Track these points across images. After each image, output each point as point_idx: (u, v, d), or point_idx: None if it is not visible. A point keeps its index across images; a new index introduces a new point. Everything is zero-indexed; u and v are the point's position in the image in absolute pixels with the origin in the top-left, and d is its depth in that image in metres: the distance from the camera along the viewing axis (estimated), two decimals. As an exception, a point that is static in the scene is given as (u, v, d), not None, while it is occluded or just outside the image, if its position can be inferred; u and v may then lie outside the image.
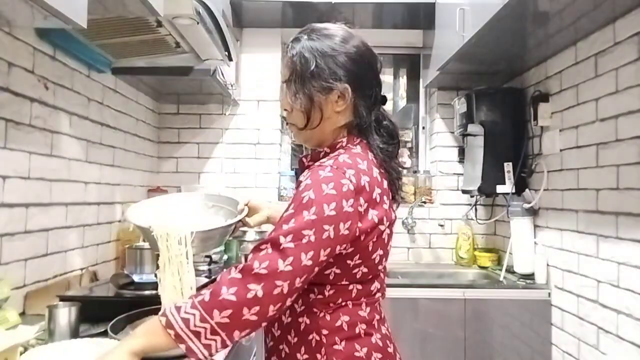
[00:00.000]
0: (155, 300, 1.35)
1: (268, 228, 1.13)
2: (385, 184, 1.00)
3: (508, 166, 2.30)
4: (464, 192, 2.57)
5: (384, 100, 1.06)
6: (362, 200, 0.92)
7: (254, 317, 0.82)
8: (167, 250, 1.11)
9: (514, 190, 2.27)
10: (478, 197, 2.62)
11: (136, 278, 1.51)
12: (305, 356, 0.96)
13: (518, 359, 2.10)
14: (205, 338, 0.81)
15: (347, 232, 0.89)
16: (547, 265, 2.13)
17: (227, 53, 1.94)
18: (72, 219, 1.70)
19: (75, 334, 1.14)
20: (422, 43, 2.93)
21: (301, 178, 0.94)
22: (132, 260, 1.57)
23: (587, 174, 1.82)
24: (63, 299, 1.35)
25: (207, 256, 1.96)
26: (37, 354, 0.98)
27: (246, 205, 1.26)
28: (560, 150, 2.02)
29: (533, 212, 2.23)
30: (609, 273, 1.69)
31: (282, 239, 0.85)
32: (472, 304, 2.13)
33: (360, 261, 0.96)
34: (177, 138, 2.75)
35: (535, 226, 2.24)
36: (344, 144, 1.01)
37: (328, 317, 0.96)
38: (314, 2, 2.47)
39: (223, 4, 2.09)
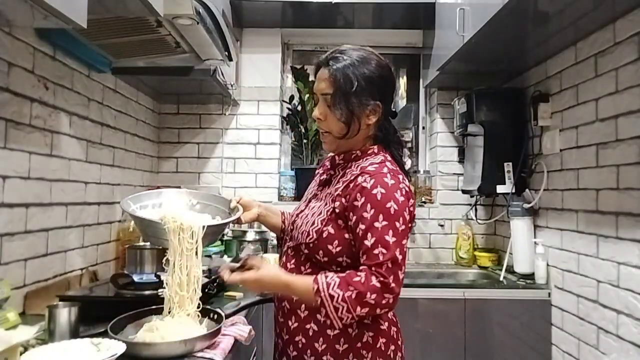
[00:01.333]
0: (155, 300, 1.35)
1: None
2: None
3: (508, 166, 2.30)
4: (464, 192, 2.57)
5: (394, 114, 1.25)
6: (411, 200, 1.14)
7: (380, 312, 1.08)
8: (179, 243, 1.13)
9: (514, 190, 2.27)
10: (478, 197, 2.62)
11: (136, 278, 1.51)
12: (337, 331, 1.11)
13: (518, 359, 2.10)
14: (341, 320, 1.05)
15: (410, 225, 1.14)
16: (547, 265, 2.13)
17: (227, 53, 1.94)
18: (72, 219, 1.70)
19: (75, 334, 1.14)
20: (422, 43, 2.93)
21: (364, 184, 1.10)
22: (132, 260, 1.57)
23: (587, 174, 1.82)
24: (63, 299, 1.35)
25: (207, 256, 1.96)
26: (37, 354, 0.98)
27: (238, 202, 1.31)
28: (560, 150, 2.02)
29: (533, 212, 2.23)
30: (609, 273, 1.69)
31: (397, 255, 1.06)
32: (472, 304, 2.13)
33: None
34: (177, 138, 2.75)
35: (535, 226, 2.24)
36: (376, 151, 1.20)
37: None
38: (314, 2, 2.47)
39: (223, 4, 2.09)
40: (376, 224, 1.06)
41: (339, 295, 1.03)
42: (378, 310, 1.05)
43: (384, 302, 1.04)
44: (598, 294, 1.76)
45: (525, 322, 2.11)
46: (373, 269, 1.04)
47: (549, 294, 2.10)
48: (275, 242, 2.48)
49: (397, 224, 1.07)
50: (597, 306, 1.76)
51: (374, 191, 1.08)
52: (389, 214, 1.07)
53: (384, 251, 1.05)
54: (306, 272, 1.16)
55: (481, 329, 2.12)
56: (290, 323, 1.17)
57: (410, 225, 1.13)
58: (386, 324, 1.16)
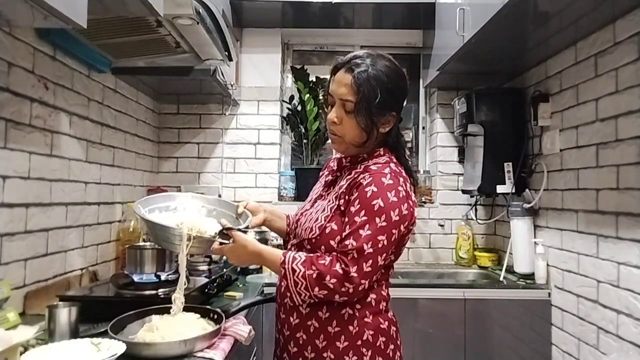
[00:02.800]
0: (155, 300, 1.35)
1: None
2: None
3: (508, 166, 2.30)
4: (464, 192, 2.57)
5: (400, 119, 1.26)
6: (410, 203, 1.15)
7: (338, 301, 1.10)
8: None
9: (514, 190, 2.27)
10: (478, 197, 2.62)
11: (136, 278, 1.51)
12: (337, 328, 1.13)
13: (518, 359, 2.10)
14: (299, 296, 1.11)
15: (404, 230, 1.14)
16: (547, 265, 2.13)
17: (227, 53, 1.94)
18: (72, 219, 1.70)
19: (75, 334, 1.14)
20: (422, 43, 2.93)
21: (362, 180, 1.12)
22: (132, 260, 1.57)
23: (587, 174, 1.82)
24: (63, 299, 1.35)
25: (207, 256, 1.96)
26: (37, 354, 0.98)
27: (245, 208, 1.33)
28: (560, 150, 2.02)
29: (533, 212, 2.23)
30: (609, 273, 1.69)
31: (365, 247, 1.07)
32: (472, 304, 2.13)
33: (393, 250, 1.16)
34: (177, 138, 2.75)
35: (535, 226, 2.24)
36: (381, 153, 1.21)
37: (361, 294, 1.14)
38: (314, 2, 2.47)
39: (223, 4, 2.09)
40: (356, 219, 1.09)
41: (300, 270, 1.08)
42: (337, 297, 1.08)
43: (343, 289, 1.06)
44: (598, 294, 1.76)
45: (525, 322, 2.11)
46: (339, 255, 1.08)
47: (549, 294, 2.10)
48: (275, 241, 2.48)
49: (377, 220, 1.08)
50: (597, 306, 1.76)
51: (367, 188, 1.11)
52: (372, 210, 1.09)
53: (354, 243, 1.07)
54: None
55: (481, 329, 2.12)
56: (291, 319, 1.19)
57: (404, 227, 1.13)
58: (386, 323, 1.18)
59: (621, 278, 1.62)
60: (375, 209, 1.09)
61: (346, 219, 1.12)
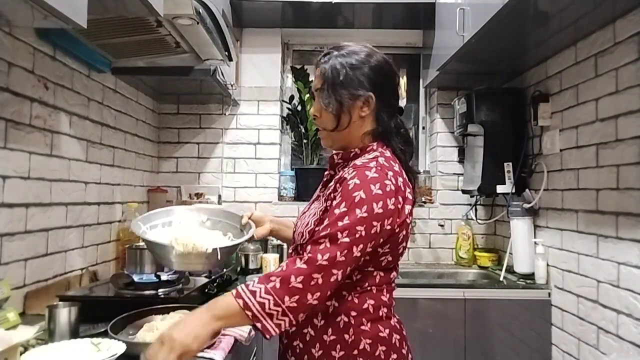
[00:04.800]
0: (155, 300, 1.35)
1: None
2: (410, 183, 1.13)
3: (508, 166, 2.30)
4: (464, 192, 2.57)
5: (401, 110, 1.20)
6: (400, 198, 1.05)
7: (315, 301, 0.96)
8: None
9: (514, 190, 2.27)
10: (478, 197, 2.62)
11: (136, 278, 1.51)
12: (333, 337, 1.06)
13: (518, 359, 2.10)
14: (277, 319, 0.94)
15: (389, 227, 1.03)
16: (547, 265, 2.13)
17: (227, 53, 1.94)
18: (72, 219, 1.70)
19: (75, 334, 1.14)
20: (422, 43, 2.93)
21: (346, 175, 1.06)
22: (132, 260, 1.57)
23: (587, 174, 1.82)
24: (63, 299, 1.35)
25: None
26: (37, 354, 0.98)
27: (250, 218, 1.31)
28: (560, 150, 2.02)
29: (533, 212, 2.23)
30: (609, 273, 1.69)
31: (339, 235, 0.98)
32: (472, 304, 2.13)
33: (388, 250, 1.08)
34: (177, 138, 2.75)
35: (535, 226, 2.24)
36: (374, 147, 1.13)
37: (356, 300, 1.07)
38: (314, 2, 2.47)
39: (223, 4, 2.09)
40: (336, 211, 1.01)
41: (260, 289, 0.94)
42: (309, 297, 0.94)
43: (312, 283, 0.94)
44: (598, 294, 1.76)
45: (525, 322, 2.11)
46: (304, 247, 1.00)
47: (549, 294, 2.10)
48: (275, 241, 2.48)
49: (358, 211, 0.99)
50: (597, 306, 1.76)
51: (350, 182, 1.03)
52: (352, 202, 1.00)
53: (328, 230, 0.99)
54: None
55: (481, 329, 2.12)
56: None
57: (389, 224, 1.03)
58: (387, 330, 1.09)
59: (621, 278, 1.62)
60: (356, 200, 1.00)
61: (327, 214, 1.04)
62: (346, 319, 1.07)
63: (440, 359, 2.11)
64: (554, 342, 2.07)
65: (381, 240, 1.04)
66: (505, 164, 2.30)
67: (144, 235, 1.22)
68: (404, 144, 1.17)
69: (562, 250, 2.02)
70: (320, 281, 0.95)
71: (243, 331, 1.29)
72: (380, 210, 1.01)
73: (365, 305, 1.08)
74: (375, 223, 1.00)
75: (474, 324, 2.12)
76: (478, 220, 2.70)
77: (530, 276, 2.19)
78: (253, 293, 0.94)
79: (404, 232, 1.10)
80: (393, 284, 1.16)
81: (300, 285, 0.94)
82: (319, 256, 0.96)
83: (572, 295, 1.93)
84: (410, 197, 1.10)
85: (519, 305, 2.11)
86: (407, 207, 1.08)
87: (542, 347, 2.08)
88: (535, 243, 2.16)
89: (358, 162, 1.09)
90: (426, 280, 2.42)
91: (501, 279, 2.25)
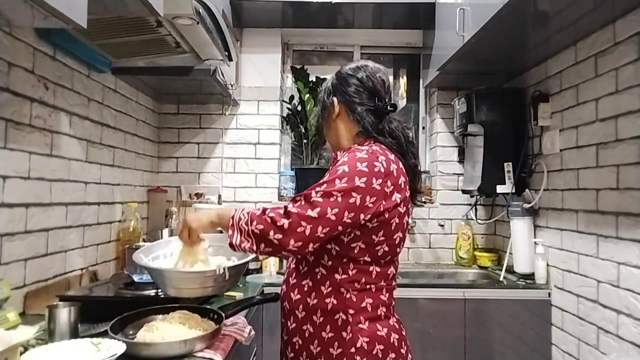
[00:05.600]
0: (155, 300, 1.35)
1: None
2: (406, 176, 1.17)
3: (508, 166, 2.30)
4: (464, 192, 2.57)
5: (393, 108, 1.24)
6: (389, 183, 1.09)
7: (276, 241, 1.04)
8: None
9: (514, 190, 2.27)
10: (478, 197, 2.62)
11: (136, 278, 1.51)
12: (331, 334, 1.09)
13: (518, 359, 2.10)
14: (243, 237, 1.08)
15: (371, 205, 1.06)
16: (547, 265, 2.13)
17: (227, 53, 1.94)
18: (72, 219, 1.70)
19: (75, 334, 1.14)
20: (422, 43, 2.93)
21: (339, 157, 1.17)
22: (132, 260, 1.57)
23: (587, 174, 1.82)
24: (63, 299, 1.35)
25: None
26: (37, 354, 0.98)
27: None
28: (560, 150, 2.02)
29: (533, 212, 2.23)
30: (609, 273, 1.69)
31: (313, 194, 1.05)
32: (472, 304, 2.13)
33: (383, 238, 1.10)
34: (177, 138, 2.75)
35: (535, 226, 2.24)
36: (370, 143, 1.19)
37: (354, 298, 1.10)
38: (314, 2, 2.47)
39: (223, 4, 2.09)
40: (319, 182, 1.09)
41: (248, 210, 1.12)
42: (272, 233, 1.04)
43: (279, 223, 1.04)
44: (598, 294, 1.76)
45: (525, 322, 2.11)
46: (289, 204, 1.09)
47: (549, 294, 2.10)
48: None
49: (337, 181, 1.06)
50: (597, 306, 1.76)
51: (339, 163, 1.12)
52: (335, 174, 1.08)
53: (304, 192, 1.08)
54: (303, 270, 1.17)
55: (481, 329, 2.12)
56: (289, 324, 1.18)
57: (371, 202, 1.06)
58: (385, 330, 1.12)
59: (621, 278, 1.62)
60: (339, 172, 1.08)
61: None
62: (344, 317, 1.09)
63: (440, 359, 2.11)
64: (554, 342, 2.07)
65: (362, 216, 1.06)
66: (505, 164, 2.30)
67: (147, 264, 1.27)
68: (400, 141, 1.21)
69: (562, 250, 2.02)
70: (286, 226, 1.03)
71: (243, 331, 1.29)
72: (363, 185, 1.05)
73: (364, 304, 1.10)
74: (354, 194, 1.05)
75: (474, 324, 2.12)
76: (478, 220, 2.70)
77: (530, 276, 2.19)
78: (243, 210, 1.12)
79: (397, 221, 1.12)
80: (393, 283, 1.18)
81: (268, 220, 1.05)
82: (290, 206, 1.06)
83: (572, 295, 1.93)
84: (403, 186, 1.14)
85: (519, 305, 2.11)
86: (398, 196, 1.11)
87: (542, 347, 2.08)
88: (535, 243, 2.16)
89: (351, 148, 1.19)
90: (426, 280, 2.42)
91: (501, 279, 2.25)
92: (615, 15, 1.62)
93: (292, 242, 1.03)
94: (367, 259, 1.10)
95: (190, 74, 2.00)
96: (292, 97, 2.80)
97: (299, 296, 1.16)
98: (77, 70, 1.73)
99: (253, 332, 1.34)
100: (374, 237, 1.09)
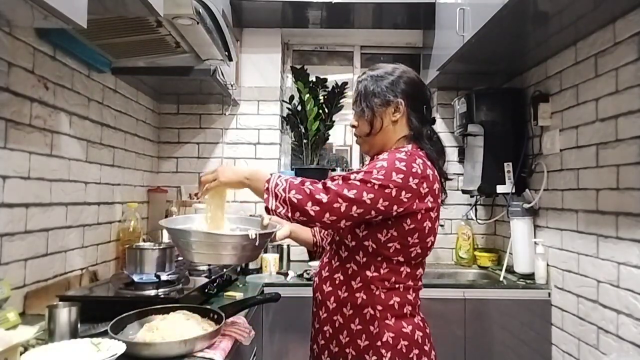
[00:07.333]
0: (155, 300, 1.35)
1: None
2: (440, 183, 1.21)
3: (508, 166, 2.30)
4: (464, 192, 2.57)
5: (433, 120, 1.32)
6: (425, 185, 1.13)
7: (312, 212, 1.09)
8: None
9: (514, 190, 2.27)
10: (478, 197, 2.62)
11: (136, 278, 1.51)
12: (359, 327, 1.16)
13: (518, 359, 2.10)
14: (278, 202, 1.11)
15: (405, 200, 1.11)
16: (547, 265, 2.13)
17: (227, 53, 1.94)
18: (72, 219, 1.70)
19: (75, 334, 1.14)
20: (422, 43, 2.93)
21: (378, 157, 1.20)
22: (132, 260, 1.57)
23: (587, 174, 1.82)
24: (63, 299, 1.35)
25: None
26: (37, 354, 0.98)
27: (270, 219, 1.35)
28: (560, 150, 2.02)
29: (533, 212, 2.23)
30: (609, 273, 1.69)
31: (352, 177, 1.10)
32: (472, 304, 2.13)
33: (417, 241, 1.15)
34: (177, 138, 2.75)
35: (535, 226, 2.24)
36: (409, 148, 1.22)
37: (383, 296, 1.16)
38: (314, 2, 2.47)
39: (223, 4, 2.09)
40: (356, 170, 1.14)
41: (286, 177, 1.15)
42: (309, 205, 1.08)
43: (317, 196, 1.08)
44: (598, 294, 1.76)
45: (525, 322, 2.11)
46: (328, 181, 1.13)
47: (549, 294, 2.10)
48: (273, 242, 2.47)
49: (374, 172, 1.10)
50: (597, 306, 1.76)
51: (379, 158, 1.16)
52: (373, 166, 1.12)
53: (343, 174, 1.13)
54: (335, 265, 1.22)
55: (481, 329, 2.12)
56: (320, 313, 1.23)
57: (406, 198, 1.10)
58: (410, 327, 1.17)
59: (621, 278, 1.62)
60: (377, 166, 1.12)
61: None
62: (372, 312, 1.15)
63: (440, 359, 2.11)
64: (554, 342, 2.07)
65: (395, 207, 1.10)
66: (505, 164, 2.30)
67: (176, 226, 1.24)
68: (437, 150, 1.26)
69: (562, 250, 2.02)
70: (324, 200, 1.08)
71: (243, 331, 1.29)
72: (399, 181, 1.10)
73: (391, 302, 1.16)
74: (391, 186, 1.09)
75: (474, 324, 2.12)
76: (478, 220, 2.70)
77: (530, 276, 2.19)
78: (279, 177, 1.14)
79: (430, 225, 1.16)
80: (420, 284, 1.24)
81: (307, 191, 1.09)
82: (330, 183, 1.11)
83: (572, 295, 1.93)
84: (437, 192, 1.18)
85: (519, 305, 2.11)
86: (430, 200, 1.15)
87: (542, 347, 2.08)
88: (535, 243, 2.16)
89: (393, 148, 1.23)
90: (426, 280, 2.37)
91: (501, 279, 2.25)
92: (615, 15, 1.62)
93: (327, 215, 1.08)
94: (400, 259, 1.16)
95: (190, 74, 2.00)
96: (292, 97, 2.80)
97: (330, 288, 1.21)
98: (77, 70, 1.73)
99: (253, 332, 1.34)
100: (409, 238, 1.14)
